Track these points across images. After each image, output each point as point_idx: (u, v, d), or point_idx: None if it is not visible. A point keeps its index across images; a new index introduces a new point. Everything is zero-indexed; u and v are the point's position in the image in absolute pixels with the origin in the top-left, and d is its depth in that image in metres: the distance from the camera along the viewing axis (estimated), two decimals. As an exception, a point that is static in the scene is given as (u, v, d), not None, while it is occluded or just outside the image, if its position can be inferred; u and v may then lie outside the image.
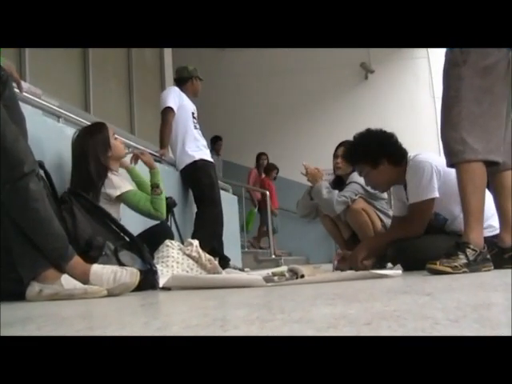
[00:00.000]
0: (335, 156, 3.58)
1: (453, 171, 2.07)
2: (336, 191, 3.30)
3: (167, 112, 3.94)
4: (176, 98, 4.00)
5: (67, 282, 1.70)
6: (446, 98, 2.05)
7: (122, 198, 2.57)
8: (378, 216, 3.24)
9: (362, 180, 2.99)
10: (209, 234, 3.80)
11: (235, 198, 5.76)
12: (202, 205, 3.96)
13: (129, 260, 2.04)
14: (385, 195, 3.37)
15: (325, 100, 9.87)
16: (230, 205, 5.14)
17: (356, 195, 3.27)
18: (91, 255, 1.96)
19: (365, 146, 2.68)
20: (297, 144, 9.59)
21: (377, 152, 2.65)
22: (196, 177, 3.95)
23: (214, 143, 8.24)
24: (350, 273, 2.17)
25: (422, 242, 2.50)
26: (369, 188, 3.06)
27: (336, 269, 2.97)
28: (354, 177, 3.33)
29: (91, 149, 2.50)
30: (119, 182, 2.55)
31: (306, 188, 3.54)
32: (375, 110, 9.64)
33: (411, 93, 9.86)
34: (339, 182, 3.52)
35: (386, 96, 9.84)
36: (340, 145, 3.62)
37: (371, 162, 2.67)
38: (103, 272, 1.79)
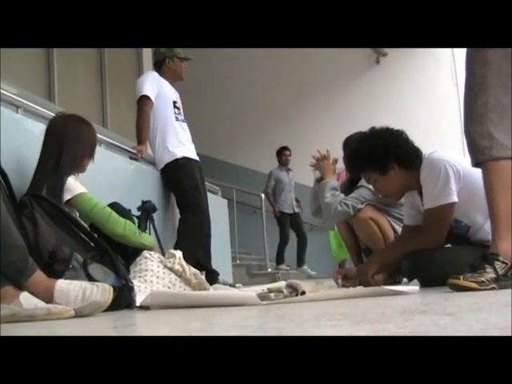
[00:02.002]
0: (345, 150, 3.58)
1: (475, 172, 2.07)
2: (341, 195, 3.29)
3: (143, 101, 3.92)
4: (153, 85, 3.97)
5: (27, 300, 1.69)
6: (469, 86, 2.05)
7: (73, 203, 2.51)
8: (393, 226, 3.24)
9: None
10: (194, 244, 3.79)
11: (225, 201, 5.76)
12: (184, 210, 3.95)
13: (100, 274, 2.03)
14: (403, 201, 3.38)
15: (330, 87, 9.90)
16: (218, 209, 5.14)
17: (362, 203, 3.26)
18: (56, 269, 1.95)
19: (369, 150, 2.63)
20: (299, 138, 9.60)
21: (384, 156, 2.61)
22: (177, 178, 3.94)
23: (279, 154, 8.14)
24: (358, 289, 2.17)
25: (442, 254, 2.51)
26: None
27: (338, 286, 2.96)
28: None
29: (78, 140, 2.50)
30: (72, 184, 2.51)
31: (315, 177, 3.54)
32: (388, 99, 9.68)
33: (430, 79, 9.87)
34: (351, 184, 3.51)
35: (401, 83, 9.86)
36: (349, 138, 3.61)
37: (379, 168, 2.63)
38: (70, 288, 1.78)
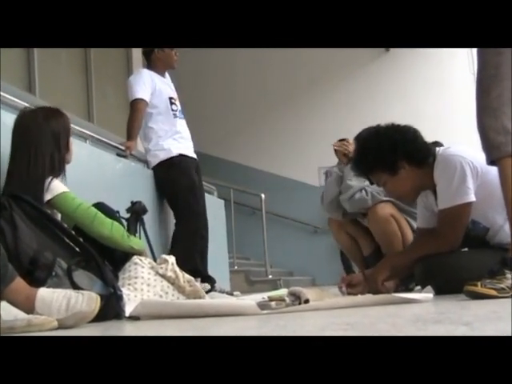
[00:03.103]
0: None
1: (494, 169, 2.07)
2: (366, 182, 3.27)
3: (138, 104, 3.95)
4: (147, 85, 4.00)
5: (6, 311, 1.69)
6: (482, 78, 2.05)
7: (54, 203, 2.50)
8: (412, 227, 3.24)
9: None
10: (190, 252, 3.80)
11: (221, 202, 5.76)
12: (178, 215, 3.96)
13: (86, 282, 2.03)
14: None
15: (334, 77, 9.88)
16: (215, 211, 5.13)
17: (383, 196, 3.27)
18: (37, 276, 1.94)
19: (376, 150, 2.63)
20: (302, 131, 9.61)
21: (392, 154, 2.61)
22: (171, 177, 3.95)
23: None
24: (367, 297, 2.17)
25: (458, 258, 2.51)
26: None
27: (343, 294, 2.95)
28: None
29: (50, 135, 2.50)
30: (52, 183, 2.49)
31: (336, 167, 3.55)
32: (398, 90, 9.66)
33: (445, 69, 9.85)
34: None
35: (413, 73, 9.85)
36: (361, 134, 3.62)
37: (388, 168, 2.63)
38: (53, 297, 1.78)
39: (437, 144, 2.90)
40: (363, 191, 3.25)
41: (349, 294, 2.89)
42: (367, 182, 3.27)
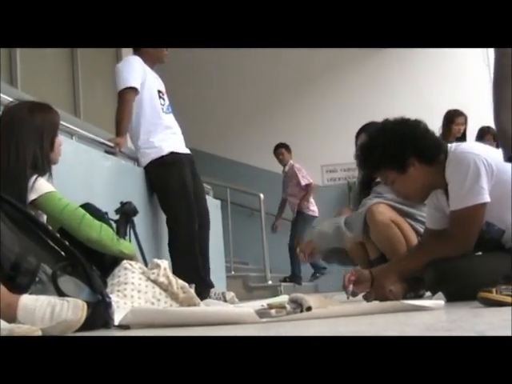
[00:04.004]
0: (357, 144, 3.58)
1: (510, 168, 2.07)
2: (341, 219, 3.32)
3: (128, 93, 3.94)
4: (138, 73, 3.99)
5: (-14, 319, 1.69)
6: (499, 69, 2.05)
7: (39, 204, 2.49)
8: (417, 231, 3.24)
9: None
10: (189, 262, 3.83)
11: (218, 202, 5.76)
12: (168, 221, 3.98)
13: (72, 288, 2.03)
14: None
15: (338, 68, 9.88)
16: (210, 212, 5.12)
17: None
18: (20, 282, 1.94)
19: (383, 146, 2.63)
20: (303, 130, 9.61)
21: (401, 150, 2.60)
22: (161, 179, 3.95)
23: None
24: (374, 304, 2.17)
25: (471, 263, 2.51)
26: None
27: (352, 295, 2.94)
28: None
29: (33, 129, 2.50)
30: (37, 182, 2.49)
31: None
32: (406, 84, 9.66)
33: (457, 59, 9.85)
34: (367, 181, 3.51)
35: (422, 64, 9.85)
36: (361, 131, 3.61)
37: (396, 166, 2.62)
38: (36, 305, 1.78)
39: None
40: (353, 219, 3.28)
41: (353, 295, 2.88)
42: (342, 219, 3.31)
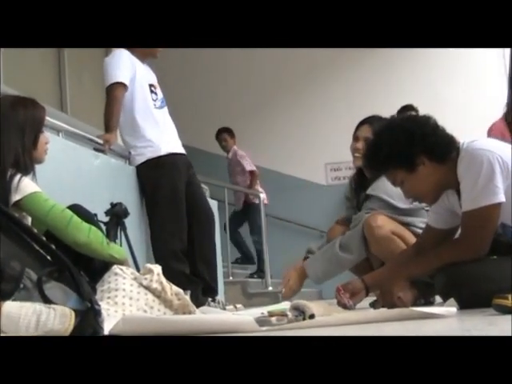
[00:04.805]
0: (355, 138, 3.59)
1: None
2: (335, 243, 3.32)
3: (116, 89, 3.95)
4: (127, 68, 4.00)
5: (-33, 328, 1.69)
6: None
7: (23, 205, 2.49)
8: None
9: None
10: (170, 260, 3.83)
11: (214, 203, 5.76)
12: (151, 229, 3.99)
13: (59, 295, 2.03)
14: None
15: (343, 58, 9.87)
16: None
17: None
18: (2, 289, 1.94)
19: (391, 144, 2.62)
20: (306, 127, 9.60)
21: (409, 148, 2.60)
22: (154, 182, 3.96)
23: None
24: (381, 312, 2.17)
25: (485, 267, 2.51)
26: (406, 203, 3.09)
27: (351, 308, 2.94)
28: (379, 185, 3.32)
29: (15, 126, 2.50)
30: (22, 183, 2.49)
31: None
32: (416, 76, 9.65)
33: (470, 49, 9.84)
34: (363, 180, 3.51)
35: (432, 55, 9.85)
36: (363, 122, 3.61)
37: (404, 165, 2.62)
38: (21, 313, 1.78)
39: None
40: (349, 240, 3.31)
41: (345, 306, 2.88)
42: (337, 242, 3.32)
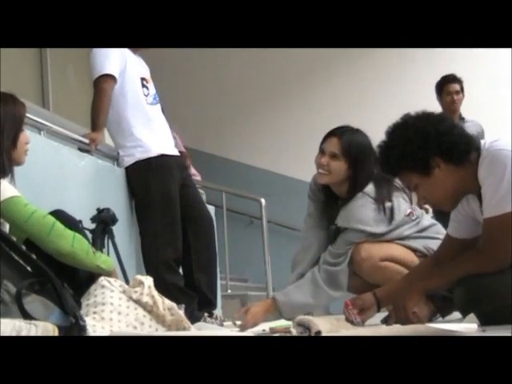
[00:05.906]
0: (321, 151, 3.60)
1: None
2: (316, 275, 3.35)
3: (104, 82, 3.94)
4: (117, 58, 3.98)
5: None
6: None
7: (0, 211, 2.49)
8: (415, 249, 3.29)
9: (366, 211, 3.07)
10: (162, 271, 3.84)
11: (212, 208, 5.76)
12: (141, 236, 4.00)
13: (40, 310, 2.04)
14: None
15: (337, 68, 9.89)
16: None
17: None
18: (-21, 303, 1.95)
19: (403, 145, 2.62)
20: (309, 126, 9.60)
21: (423, 150, 2.59)
22: (145, 185, 3.96)
23: None
24: (394, 329, 2.18)
25: (509, 280, 2.51)
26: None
27: (360, 324, 2.94)
28: (358, 201, 3.35)
29: None
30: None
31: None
32: (416, 76, 9.65)
33: (470, 50, 9.84)
34: (330, 200, 3.57)
35: (433, 56, 9.85)
36: (330, 134, 3.64)
37: (418, 168, 2.61)
38: (-2, 330, 1.78)
39: None
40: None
41: (351, 322, 2.89)
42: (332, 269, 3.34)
